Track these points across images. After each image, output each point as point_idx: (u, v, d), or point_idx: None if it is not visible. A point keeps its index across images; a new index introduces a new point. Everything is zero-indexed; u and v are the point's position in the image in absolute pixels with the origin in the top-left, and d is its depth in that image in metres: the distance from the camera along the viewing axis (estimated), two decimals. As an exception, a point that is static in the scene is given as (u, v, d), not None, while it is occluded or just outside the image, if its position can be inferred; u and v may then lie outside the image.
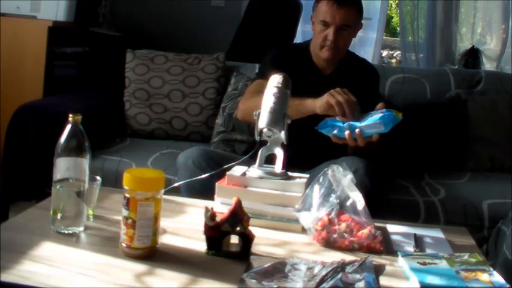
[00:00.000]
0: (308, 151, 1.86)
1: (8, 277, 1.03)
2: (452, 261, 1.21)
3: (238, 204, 1.22)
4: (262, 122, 1.47)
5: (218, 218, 1.21)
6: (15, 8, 2.89)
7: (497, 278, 1.14)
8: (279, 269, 1.14)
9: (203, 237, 1.22)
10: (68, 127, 1.25)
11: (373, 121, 1.53)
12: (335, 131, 1.59)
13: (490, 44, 3.54)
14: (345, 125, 1.57)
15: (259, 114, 1.49)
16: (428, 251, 1.33)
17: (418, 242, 1.38)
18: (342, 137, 1.59)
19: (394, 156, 2.34)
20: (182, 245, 1.26)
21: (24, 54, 2.86)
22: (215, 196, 1.44)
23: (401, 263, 1.22)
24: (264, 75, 1.94)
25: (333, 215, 1.33)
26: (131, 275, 1.09)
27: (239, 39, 3.33)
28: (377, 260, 1.25)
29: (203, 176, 1.58)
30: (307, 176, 1.52)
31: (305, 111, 1.74)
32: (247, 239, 1.21)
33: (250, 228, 1.23)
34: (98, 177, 1.40)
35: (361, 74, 2.08)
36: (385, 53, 4.11)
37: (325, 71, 2.06)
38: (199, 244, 1.24)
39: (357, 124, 1.56)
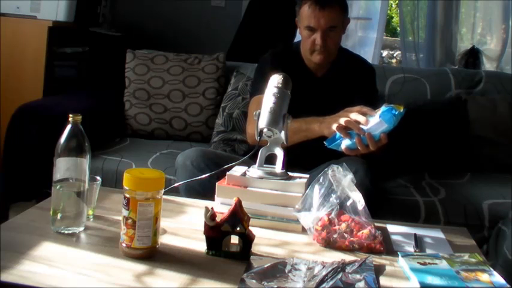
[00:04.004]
0: (308, 152, 1.86)
1: (8, 277, 1.03)
2: (452, 262, 1.21)
3: (238, 204, 1.22)
4: (262, 122, 1.47)
5: (218, 218, 1.21)
6: (15, 8, 2.89)
7: (498, 278, 1.14)
8: (279, 269, 1.14)
9: (203, 237, 1.22)
10: (68, 127, 1.25)
11: (375, 121, 1.53)
12: (345, 144, 1.59)
13: (490, 44, 3.54)
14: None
15: (259, 114, 1.49)
16: (429, 251, 1.33)
17: (418, 242, 1.38)
18: (354, 148, 1.58)
19: (394, 156, 2.34)
20: (182, 245, 1.26)
21: (24, 54, 2.86)
22: (215, 196, 1.44)
23: (402, 263, 1.22)
24: (260, 90, 1.92)
25: (333, 215, 1.33)
26: (131, 275, 1.09)
27: (239, 39, 3.33)
28: (377, 260, 1.25)
29: (202, 176, 1.58)
30: (307, 176, 1.52)
31: (312, 136, 1.75)
32: (247, 239, 1.21)
33: (250, 228, 1.23)
34: (98, 177, 1.40)
35: (355, 72, 2.07)
36: (385, 53, 4.11)
37: (318, 73, 2.06)
38: (199, 244, 1.24)
39: (364, 129, 1.56)
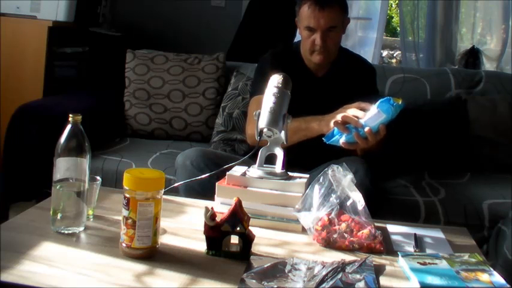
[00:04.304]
0: (308, 152, 1.86)
1: (8, 277, 1.03)
2: (452, 262, 1.21)
3: (238, 204, 1.22)
4: (262, 122, 1.47)
5: (218, 218, 1.21)
6: (15, 8, 2.89)
7: (498, 278, 1.14)
8: (279, 269, 1.14)
9: (203, 237, 1.22)
10: (68, 127, 1.25)
11: (373, 112, 1.52)
12: (343, 139, 1.59)
13: (490, 44, 3.54)
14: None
15: (259, 114, 1.49)
16: (429, 251, 1.33)
17: (418, 242, 1.38)
18: (352, 141, 1.58)
19: (394, 156, 2.34)
20: (182, 245, 1.26)
21: (24, 54, 2.86)
22: (215, 196, 1.44)
23: (402, 263, 1.22)
24: (261, 90, 1.92)
25: (333, 215, 1.33)
26: (131, 275, 1.09)
27: (239, 39, 3.33)
28: (377, 260, 1.25)
29: (202, 176, 1.58)
30: (307, 176, 1.52)
31: (312, 135, 1.75)
32: (247, 239, 1.21)
33: (250, 228, 1.23)
34: (98, 177, 1.40)
35: (355, 72, 2.06)
36: (385, 53, 4.11)
37: (318, 73, 2.05)
38: (199, 244, 1.24)
39: (361, 122, 1.56)
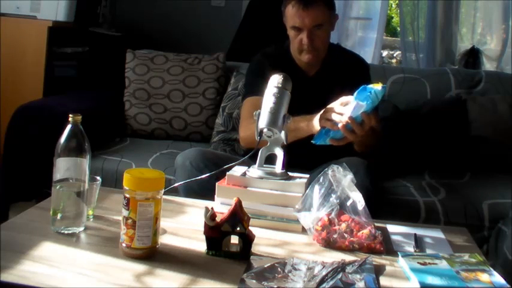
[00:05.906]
0: (308, 152, 1.85)
1: (8, 277, 1.03)
2: (452, 262, 1.21)
3: (238, 204, 1.22)
4: (262, 122, 1.47)
5: (218, 218, 1.21)
6: (15, 8, 2.89)
7: (498, 278, 1.14)
8: (279, 269, 1.14)
9: (203, 237, 1.22)
10: (68, 127, 1.25)
11: (353, 105, 1.51)
12: (330, 136, 1.59)
13: (490, 44, 3.54)
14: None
15: (259, 114, 1.49)
16: (429, 251, 1.33)
17: (418, 242, 1.38)
18: (340, 137, 1.58)
19: (394, 156, 2.34)
20: (182, 245, 1.26)
21: (24, 54, 2.86)
22: (215, 196, 1.44)
23: (402, 263, 1.22)
24: (253, 91, 1.91)
25: (333, 215, 1.33)
26: (131, 275, 1.09)
27: (239, 39, 3.33)
28: (377, 260, 1.25)
29: (202, 176, 1.58)
30: (307, 176, 1.52)
31: (301, 135, 1.74)
32: (247, 239, 1.21)
33: (250, 228, 1.23)
34: (98, 177, 1.40)
35: (348, 69, 2.03)
36: (385, 53, 4.11)
37: (309, 72, 2.04)
38: (199, 244, 1.24)
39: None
